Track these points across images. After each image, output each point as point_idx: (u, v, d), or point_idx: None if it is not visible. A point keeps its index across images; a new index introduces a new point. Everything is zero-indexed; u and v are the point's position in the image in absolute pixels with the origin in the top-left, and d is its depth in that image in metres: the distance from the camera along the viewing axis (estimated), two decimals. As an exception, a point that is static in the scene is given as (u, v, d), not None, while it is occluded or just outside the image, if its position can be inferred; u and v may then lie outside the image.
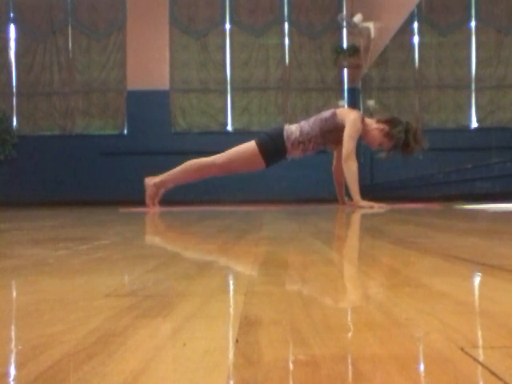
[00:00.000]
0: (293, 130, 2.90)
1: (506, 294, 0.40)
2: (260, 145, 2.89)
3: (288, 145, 2.89)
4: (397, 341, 0.28)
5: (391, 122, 2.83)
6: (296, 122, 3.02)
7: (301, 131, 2.88)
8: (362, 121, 2.84)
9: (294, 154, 2.95)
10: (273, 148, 2.90)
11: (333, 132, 2.84)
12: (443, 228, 1.19)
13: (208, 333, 0.30)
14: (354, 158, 2.77)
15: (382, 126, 2.84)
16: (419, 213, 2.04)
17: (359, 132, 2.81)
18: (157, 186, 3.06)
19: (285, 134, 2.89)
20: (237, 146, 2.96)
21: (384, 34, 5.15)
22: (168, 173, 3.06)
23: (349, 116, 2.82)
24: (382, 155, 2.95)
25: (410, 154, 2.85)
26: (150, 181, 3.07)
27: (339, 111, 2.89)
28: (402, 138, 2.77)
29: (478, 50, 4.16)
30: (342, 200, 3.19)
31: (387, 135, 2.81)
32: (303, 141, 2.88)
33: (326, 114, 2.89)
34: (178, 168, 3.03)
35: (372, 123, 2.87)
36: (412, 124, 2.85)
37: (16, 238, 1.07)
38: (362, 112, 6.09)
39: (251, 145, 2.91)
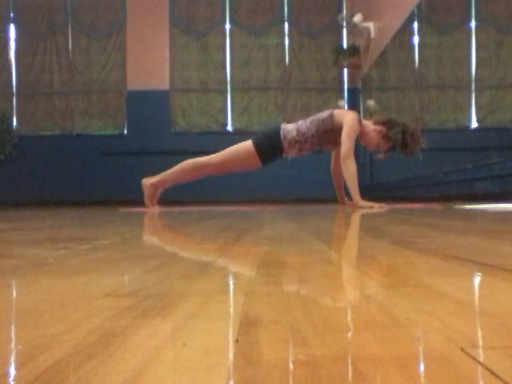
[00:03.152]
0: (289, 129, 2.90)
1: (506, 294, 0.40)
2: (256, 144, 2.89)
3: (285, 144, 2.89)
4: (397, 341, 0.28)
5: (388, 124, 2.84)
6: (294, 121, 3.02)
7: (298, 131, 2.88)
8: (360, 122, 2.85)
9: (291, 154, 2.95)
10: (269, 147, 2.90)
11: (329, 133, 2.84)
12: (443, 228, 1.19)
13: (208, 333, 0.30)
14: (352, 157, 2.77)
15: (379, 127, 2.84)
16: (419, 213, 2.04)
17: (357, 132, 2.81)
18: (154, 186, 3.06)
19: (281, 133, 2.89)
20: (233, 145, 2.97)
21: (384, 34, 5.15)
22: (165, 173, 3.06)
23: (346, 116, 2.83)
24: (380, 156, 2.96)
25: (410, 154, 2.85)
26: (148, 181, 3.07)
27: (337, 112, 2.89)
28: (398, 139, 2.77)
29: (478, 50, 4.15)
30: (341, 200, 3.19)
31: (384, 137, 2.82)
32: (299, 140, 2.88)
33: (324, 114, 2.89)
34: (174, 168, 3.04)
35: (369, 125, 2.88)
36: (409, 125, 2.86)
37: (16, 238, 1.07)
38: (362, 112, 6.10)
39: (247, 144, 2.91)
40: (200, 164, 2.99)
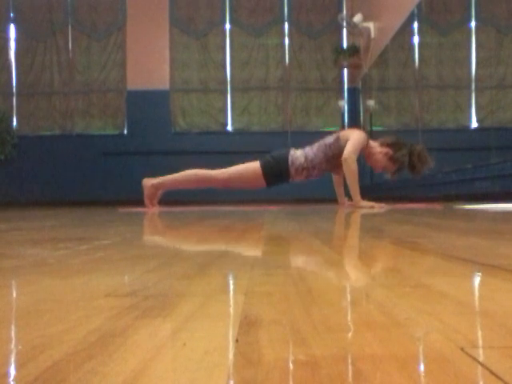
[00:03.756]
0: (298, 155, 2.90)
1: (506, 294, 0.40)
2: (264, 167, 2.89)
3: (292, 170, 2.89)
4: (397, 341, 0.28)
5: (395, 146, 2.83)
6: (302, 147, 3.01)
7: (305, 157, 2.88)
8: (367, 141, 2.85)
9: (298, 179, 2.96)
10: (276, 171, 2.90)
11: (337, 157, 2.83)
12: (443, 228, 1.18)
13: (208, 333, 0.30)
14: (354, 158, 2.77)
15: (385, 149, 2.84)
16: (419, 213, 2.04)
17: (362, 145, 2.81)
18: (155, 187, 3.06)
19: (290, 158, 2.89)
20: (240, 163, 2.96)
21: (384, 34, 5.15)
22: (167, 177, 3.05)
23: (353, 132, 2.87)
24: (388, 176, 2.97)
25: (417, 174, 2.86)
26: (148, 182, 3.07)
27: (342, 134, 2.91)
28: (405, 161, 2.78)
29: (478, 50, 4.15)
30: (341, 200, 3.19)
31: (391, 159, 2.82)
32: (307, 167, 2.88)
33: (330, 139, 2.89)
34: (177, 174, 3.03)
35: (376, 146, 2.88)
36: (416, 146, 2.85)
37: (16, 238, 1.07)
38: (361, 112, 6.10)
39: (255, 165, 2.91)
40: (204, 177, 2.98)
